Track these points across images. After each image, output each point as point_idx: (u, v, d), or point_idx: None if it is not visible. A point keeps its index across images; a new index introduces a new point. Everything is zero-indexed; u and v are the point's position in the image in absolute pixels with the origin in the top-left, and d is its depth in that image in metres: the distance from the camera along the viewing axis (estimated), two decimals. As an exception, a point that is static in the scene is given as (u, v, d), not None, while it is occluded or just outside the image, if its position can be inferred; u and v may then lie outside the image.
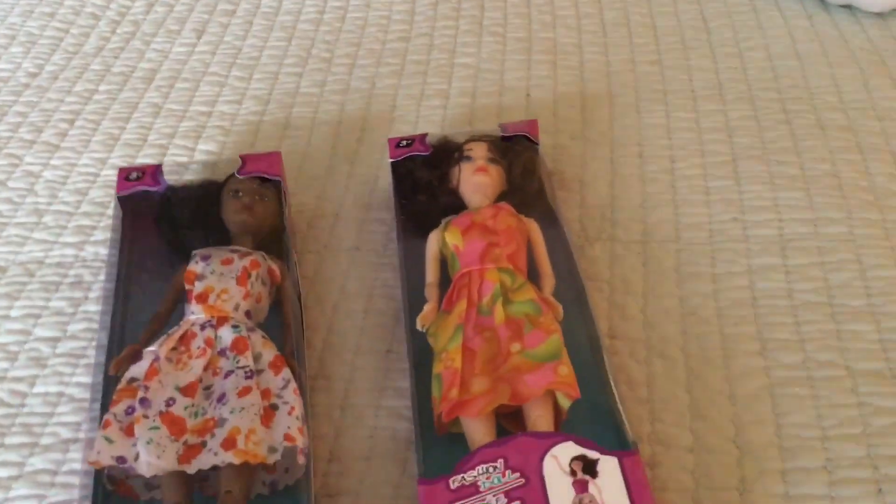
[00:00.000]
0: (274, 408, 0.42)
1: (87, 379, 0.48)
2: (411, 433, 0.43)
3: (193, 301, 0.46)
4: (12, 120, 0.66)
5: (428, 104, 0.65)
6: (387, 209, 0.56)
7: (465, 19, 0.73)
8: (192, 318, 0.45)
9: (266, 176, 0.53)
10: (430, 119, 0.63)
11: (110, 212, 0.58)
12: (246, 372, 0.43)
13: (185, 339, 0.44)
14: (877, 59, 0.64)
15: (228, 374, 0.43)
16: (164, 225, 0.52)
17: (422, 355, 0.45)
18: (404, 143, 0.55)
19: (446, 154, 0.54)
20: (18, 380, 0.48)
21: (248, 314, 0.46)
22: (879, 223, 0.52)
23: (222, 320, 0.45)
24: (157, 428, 0.40)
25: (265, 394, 0.42)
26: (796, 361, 0.45)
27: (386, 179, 0.57)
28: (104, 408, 0.43)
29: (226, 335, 0.44)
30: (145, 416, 0.41)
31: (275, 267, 0.48)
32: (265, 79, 0.69)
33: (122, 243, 0.52)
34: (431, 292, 0.48)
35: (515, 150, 0.54)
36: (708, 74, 0.64)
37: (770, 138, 0.58)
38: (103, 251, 0.56)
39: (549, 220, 0.51)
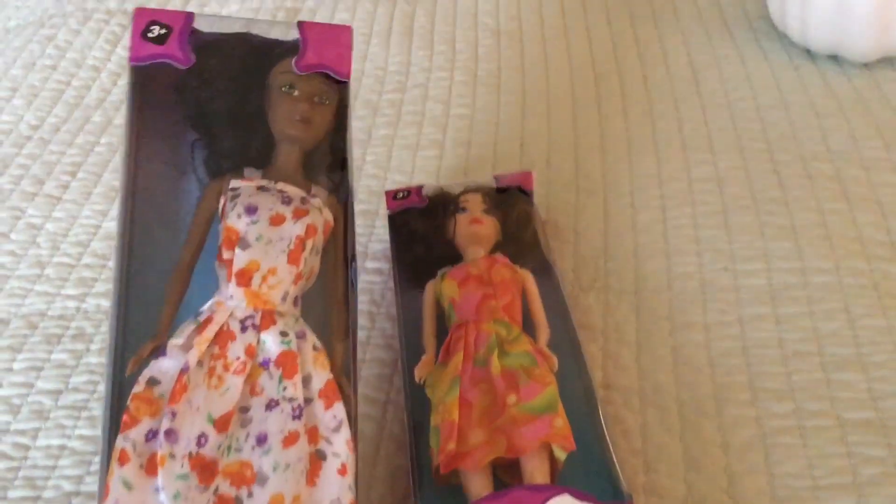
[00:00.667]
0: (321, 456, 0.36)
1: (88, 431, 0.49)
2: (409, 483, 0.44)
3: (233, 280, 0.37)
4: (15, 172, 0.67)
5: (424, 154, 0.66)
6: (384, 260, 0.57)
7: (460, 70, 0.75)
8: (231, 304, 0.37)
9: (333, 75, 0.42)
10: (425, 169, 0.65)
11: (111, 263, 0.59)
12: (293, 408, 0.36)
13: (221, 336, 0.37)
14: (863, 109, 0.65)
15: (271, 402, 0.36)
16: (188, 100, 0.41)
17: (419, 406, 0.46)
18: (401, 195, 0.57)
19: (442, 206, 0.55)
20: (21, 433, 0.49)
21: (295, 301, 0.38)
22: (867, 273, 0.53)
23: (268, 316, 0.37)
24: (185, 477, 0.34)
25: (312, 434, 0.36)
26: (787, 411, 0.46)
27: (383, 230, 0.58)
28: (114, 420, 0.36)
29: (271, 344, 0.37)
30: (171, 457, 0.34)
31: (329, 217, 0.41)
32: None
33: (130, 116, 0.41)
34: (429, 343, 0.49)
35: (510, 201, 0.56)
36: (697, 125, 0.66)
37: (759, 188, 0.59)
38: (105, 303, 0.56)
39: (544, 271, 0.52)
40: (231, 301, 0.37)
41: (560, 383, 0.45)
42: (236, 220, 0.38)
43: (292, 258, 0.38)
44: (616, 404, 0.48)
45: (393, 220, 0.56)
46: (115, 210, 0.63)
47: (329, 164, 0.42)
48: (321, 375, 0.37)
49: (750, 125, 0.65)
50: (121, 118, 0.73)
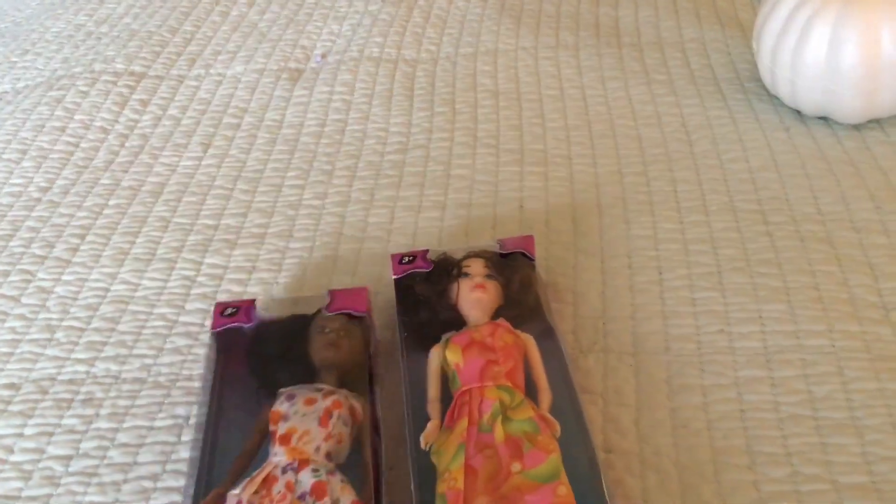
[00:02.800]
0: None
1: (99, 498, 0.50)
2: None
3: (277, 442, 0.47)
4: (25, 235, 0.69)
5: (425, 215, 0.68)
6: (388, 324, 0.58)
7: (460, 131, 0.77)
8: (275, 459, 0.46)
9: (353, 312, 0.55)
10: (427, 230, 0.66)
11: (121, 327, 0.60)
12: None
13: (266, 482, 0.45)
14: (852, 171, 0.67)
15: None
16: (254, 359, 0.54)
17: (425, 473, 0.47)
18: (407, 259, 0.58)
19: (446, 270, 0.57)
20: (32, 499, 0.50)
21: (328, 455, 0.47)
22: (859, 335, 0.54)
23: (304, 463, 0.46)
24: None
25: None
26: (784, 475, 0.47)
27: (386, 293, 0.60)
28: None
29: (305, 479, 0.45)
30: None
31: (357, 406, 0.50)
32: (269, 191, 0.72)
33: (213, 380, 0.54)
34: (434, 409, 0.50)
35: (512, 266, 0.57)
36: (691, 186, 0.67)
37: (752, 250, 0.61)
38: (114, 367, 0.58)
39: (546, 335, 0.54)
40: (275, 458, 0.47)
41: (563, 448, 0.46)
42: (279, 406, 0.49)
43: (323, 422, 0.48)
44: (617, 468, 0.49)
45: (398, 283, 0.58)
46: (123, 273, 0.65)
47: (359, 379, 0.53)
48: (348, 498, 0.45)
49: (742, 186, 0.67)
50: (129, 180, 0.74)
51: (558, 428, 0.47)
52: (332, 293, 0.56)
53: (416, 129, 0.78)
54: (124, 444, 0.53)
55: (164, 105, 0.83)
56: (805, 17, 0.68)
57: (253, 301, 0.56)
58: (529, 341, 0.52)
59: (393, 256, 0.59)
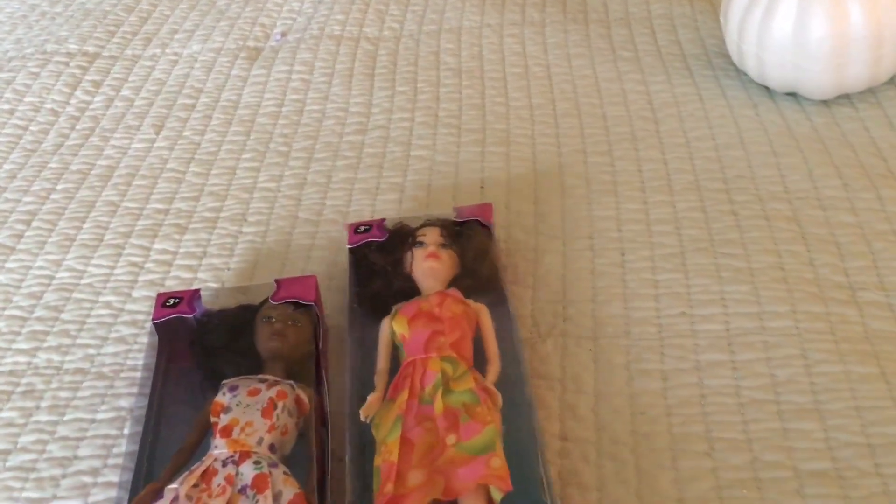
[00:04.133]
0: None
1: (36, 494, 0.48)
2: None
3: (218, 434, 0.45)
4: (-32, 221, 0.66)
5: (383, 198, 0.66)
6: (343, 309, 0.56)
7: (421, 111, 0.75)
8: (216, 452, 0.45)
9: (300, 301, 0.53)
10: (385, 213, 0.64)
11: (65, 316, 0.58)
12: None
13: (206, 475, 0.44)
14: (820, 148, 0.65)
15: None
16: (199, 350, 0.52)
17: (369, 449, 0.46)
18: (362, 228, 0.57)
19: (401, 239, 0.56)
20: (-35, 497, 0.48)
21: (272, 448, 0.45)
22: (824, 316, 0.53)
23: (245, 455, 0.44)
24: None
25: None
26: (744, 462, 0.46)
27: (341, 279, 0.58)
28: None
29: (246, 472, 0.44)
30: None
31: (303, 396, 0.48)
32: (223, 174, 0.70)
33: (155, 371, 0.52)
34: (379, 381, 0.49)
35: (468, 234, 0.56)
36: (656, 165, 0.66)
37: (717, 230, 0.59)
38: (56, 358, 0.55)
39: (501, 304, 0.53)
40: (216, 450, 0.45)
41: (509, 421, 0.45)
42: (221, 397, 0.47)
43: (266, 413, 0.46)
44: (573, 457, 0.47)
45: (353, 253, 0.56)
46: (68, 260, 0.62)
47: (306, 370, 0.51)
48: (290, 490, 0.43)
49: (708, 165, 0.65)
50: (78, 163, 0.72)
51: (500, 398, 0.46)
52: (279, 282, 0.54)
53: (376, 110, 0.75)
54: (64, 438, 0.51)
55: (117, 86, 0.81)
56: (772, -10, 0.66)
57: (197, 291, 0.54)
58: (482, 310, 0.51)
59: (349, 226, 0.57)
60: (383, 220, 0.57)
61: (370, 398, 0.47)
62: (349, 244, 0.56)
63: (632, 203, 0.63)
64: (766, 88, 0.72)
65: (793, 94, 0.71)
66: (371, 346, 0.51)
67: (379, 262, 0.55)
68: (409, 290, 0.53)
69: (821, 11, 0.64)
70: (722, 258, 0.57)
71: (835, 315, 0.53)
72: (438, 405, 0.45)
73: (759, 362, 0.50)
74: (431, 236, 0.55)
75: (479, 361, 0.49)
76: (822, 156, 0.65)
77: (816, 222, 0.59)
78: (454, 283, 0.53)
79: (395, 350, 0.50)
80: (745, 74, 0.73)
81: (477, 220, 0.57)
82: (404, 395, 0.46)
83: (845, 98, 0.70)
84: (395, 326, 0.50)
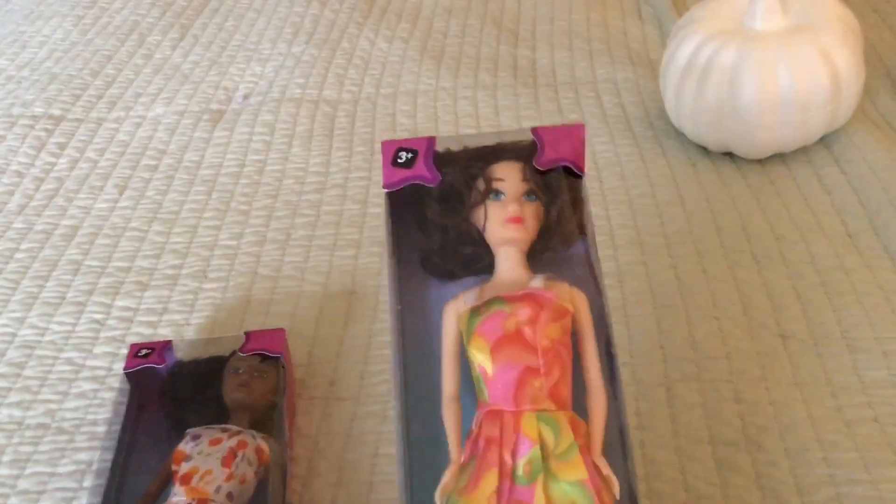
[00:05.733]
0: None
1: (-5, 547, 0.49)
2: None
3: (178, 482, 0.47)
4: (-68, 280, 0.68)
5: (340, 254, 0.68)
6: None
7: (377, 170, 0.77)
8: (175, 500, 0.46)
9: (267, 353, 0.54)
10: (341, 268, 0.67)
11: (27, 372, 0.60)
12: None
13: None
14: (755, 205, 0.69)
15: None
16: (168, 400, 0.53)
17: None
18: (404, 155, 0.43)
19: (466, 182, 0.41)
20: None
21: (229, 496, 0.47)
22: (756, 358, 0.56)
23: (202, 503, 0.46)
24: None
25: None
26: (679, 502, 0.48)
27: (302, 333, 0.60)
28: None
29: None
30: None
31: (264, 446, 0.50)
32: (184, 232, 0.72)
33: (125, 420, 0.53)
34: (451, 429, 0.38)
35: (555, 186, 0.42)
36: (601, 221, 0.69)
37: (657, 283, 0.62)
38: (18, 413, 0.57)
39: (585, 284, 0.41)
40: (175, 497, 0.46)
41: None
42: (184, 446, 0.49)
43: (225, 462, 0.48)
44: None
45: (395, 199, 0.43)
46: (31, 318, 0.64)
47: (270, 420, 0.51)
48: None
49: (649, 221, 0.68)
50: (42, 224, 0.74)
51: (617, 488, 0.36)
52: (248, 334, 0.56)
53: (334, 169, 0.78)
54: (25, 491, 0.52)
55: (81, 148, 0.83)
56: (706, 56, 0.71)
57: (169, 342, 0.56)
58: (581, 305, 0.39)
59: (386, 146, 0.43)
60: (432, 139, 0.42)
61: (446, 476, 0.37)
62: (386, 187, 0.43)
63: (577, 257, 0.66)
64: (704, 148, 0.76)
65: (729, 154, 0.75)
66: (417, 329, 0.40)
67: (438, 221, 0.41)
68: (478, 257, 0.41)
69: (751, 77, 0.69)
70: (662, 309, 0.60)
71: (765, 355, 0.56)
72: (539, 498, 0.35)
73: (696, 407, 0.53)
74: (512, 182, 0.41)
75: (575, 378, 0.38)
76: (757, 213, 0.68)
77: (750, 274, 0.62)
78: (535, 253, 0.41)
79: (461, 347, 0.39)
80: (684, 135, 0.77)
81: (566, 167, 0.42)
82: (492, 481, 0.35)
83: (778, 157, 0.74)
84: (472, 351, 0.38)
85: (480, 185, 0.41)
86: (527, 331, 0.38)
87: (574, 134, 0.42)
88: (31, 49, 1.00)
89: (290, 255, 0.68)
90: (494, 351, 0.38)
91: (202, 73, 0.94)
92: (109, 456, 0.51)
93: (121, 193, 0.77)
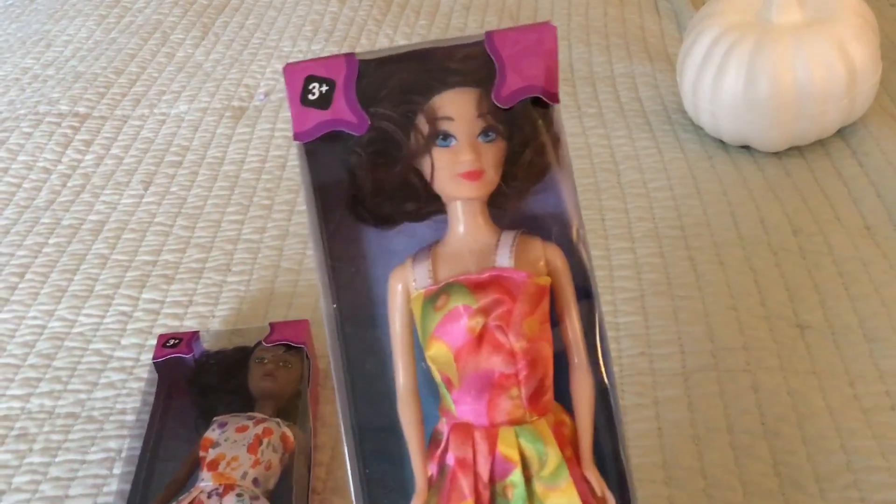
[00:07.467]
0: None
1: (29, 531, 0.50)
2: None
3: (205, 468, 0.48)
4: (-36, 275, 0.69)
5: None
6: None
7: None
8: (202, 485, 0.48)
9: (291, 343, 0.56)
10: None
11: (56, 363, 0.61)
12: None
13: None
14: (772, 197, 0.70)
15: None
16: (195, 389, 0.55)
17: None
18: (315, 87, 0.32)
19: (406, 118, 0.32)
20: (-39, 535, 0.50)
21: (255, 481, 0.48)
22: (775, 351, 0.56)
23: (229, 488, 0.47)
24: None
25: None
26: (697, 489, 0.49)
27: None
28: None
29: (230, 503, 0.46)
30: None
31: (289, 434, 0.51)
32: (208, 227, 0.73)
33: (154, 409, 0.55)
34: (413, 439, 0.32)
35: (520, 117, 0.33)
36: (618, 214, 0.69)
37: (674, 274, 0.63)
38: (49, 403, 0.58)
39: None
40: (202, 483, 0.48)
41: None
42: (211, 433, 0.50)
43: (251, 448, 0.49)
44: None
45: (312, 150, 0.33)
46: (60, 310, 0.65)
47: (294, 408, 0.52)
48: None
49: (667, 214, 0.69)
50: (69, 219, 0.75)
51: (613, 502, 0.32)
52: (273, 325, 0.57)
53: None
54: (56, 478, 0.53)
55: (106, 145, 0.84)
56: (722, 51, 0.71)
57: (196, 332, 0.57)
58: (557, 260, 0.33)
59: (290, 71, 0.32)
60: (352, 56, 0.32)
61: (416, 494, 0.32)
62: (296, 137, 0.33)
63: (596, 250, 0.66)
64: (721, 142, 0.76)
65: (746, 147, 0.75)
66: (356, 294, 0.33)
67: (366, 174, 0.33)
68: (423, 211, 0.33)
69: (768, 70, 0.69)
70: (679, 300, 0.61)
71: (785, 347, 0.56)
72: None
73: (713, 396, 0.54)
74: (464, 120, 0.32)
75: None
76: (774, 204, 0.69)
77: (767, 265, 0.63)
78: (495, 198, 0.33)
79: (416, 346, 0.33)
80: (701, 129, 0.77)
81: (536, 95, 0.33)
82: None
83: (796, 150, 0.74)
84: (429, 353, 0.32)
85: (422, 124, 0.32)
86: (497, 333, 0.31)
87: (542, 43, 0.32)
88: (56, 48, 1.02)
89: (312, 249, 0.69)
90: (459, 360, 0.31)
91: (224, 71, 0.95)
92: (138, 443, 0.52)
93: (146, 189, 0.78)
